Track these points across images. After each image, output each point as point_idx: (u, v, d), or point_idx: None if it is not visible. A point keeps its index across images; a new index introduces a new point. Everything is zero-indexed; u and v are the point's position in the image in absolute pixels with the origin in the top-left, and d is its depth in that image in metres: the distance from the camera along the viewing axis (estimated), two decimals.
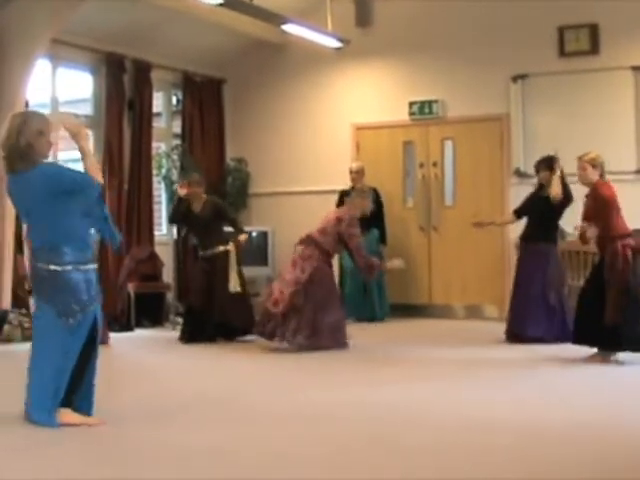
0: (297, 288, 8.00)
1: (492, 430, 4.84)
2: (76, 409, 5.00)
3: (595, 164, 7.22)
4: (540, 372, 6.85)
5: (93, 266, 5.10)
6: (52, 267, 4.93)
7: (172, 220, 9.50)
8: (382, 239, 10.62)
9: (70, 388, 4.95)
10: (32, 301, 5.06)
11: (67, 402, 4.96)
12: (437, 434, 4.80)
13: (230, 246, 8.82)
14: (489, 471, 4.07)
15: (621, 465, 4.16)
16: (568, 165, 8.47)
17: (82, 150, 5.06)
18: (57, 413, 4.91)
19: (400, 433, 4.82)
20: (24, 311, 8.97)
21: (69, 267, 4.94)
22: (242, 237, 8.93)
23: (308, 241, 8.18)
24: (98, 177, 5.00)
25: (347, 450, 4.46)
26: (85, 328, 4.96)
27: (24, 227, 5.88)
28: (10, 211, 9.04)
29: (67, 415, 4.95)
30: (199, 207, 8.89)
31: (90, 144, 5.26)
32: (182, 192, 8.88)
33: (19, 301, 9.07)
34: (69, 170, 5.12)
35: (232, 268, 8.75)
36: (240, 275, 8.82)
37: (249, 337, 8.70)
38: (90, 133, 10.25)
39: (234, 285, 8.70)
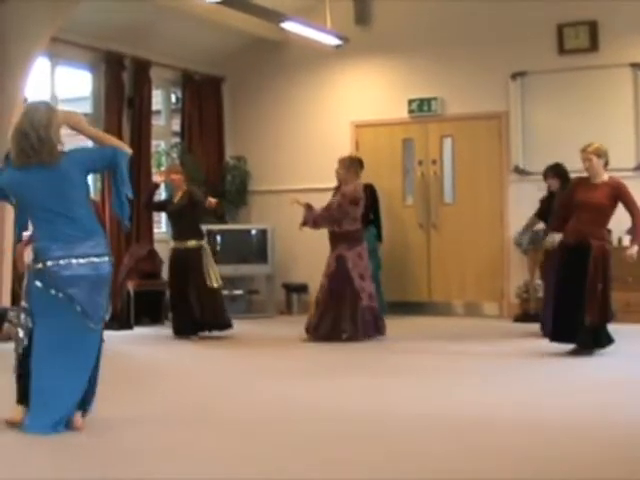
0: None
1: (494, 429, 4.83)
2: None
3: (600, 154, 7.22)
4: (541, 368, 6.87)
5: None
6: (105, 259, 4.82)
7: (145, 205, 9.46)
8: (379, 236, 10.52)
9: None
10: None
11: None
12: (437, 433, 4.80)
13: (204, 242, 8.95)
14: (490, 471, 4.06)
15: (623, 465, 4.13)
16: (568, 162, 8.50)
17: (91, 134, 4.98)
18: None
19: (398, 433, 4.82)
20: None
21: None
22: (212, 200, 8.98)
23: None
24: (124, 147, 5.01)
25: (348, 450, 4.45)
26: None
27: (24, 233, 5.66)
28: (10, 211, 9.04)
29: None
30: (178, 197, 9.00)
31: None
32: (159, 179, 9.10)
33: (19, 299, 9.05)
34: (92, 149, 5.03)
35: (210, 264, 8.76)
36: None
37: (223, 332, 8.81)
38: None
39: (216, 280, 8.74)
